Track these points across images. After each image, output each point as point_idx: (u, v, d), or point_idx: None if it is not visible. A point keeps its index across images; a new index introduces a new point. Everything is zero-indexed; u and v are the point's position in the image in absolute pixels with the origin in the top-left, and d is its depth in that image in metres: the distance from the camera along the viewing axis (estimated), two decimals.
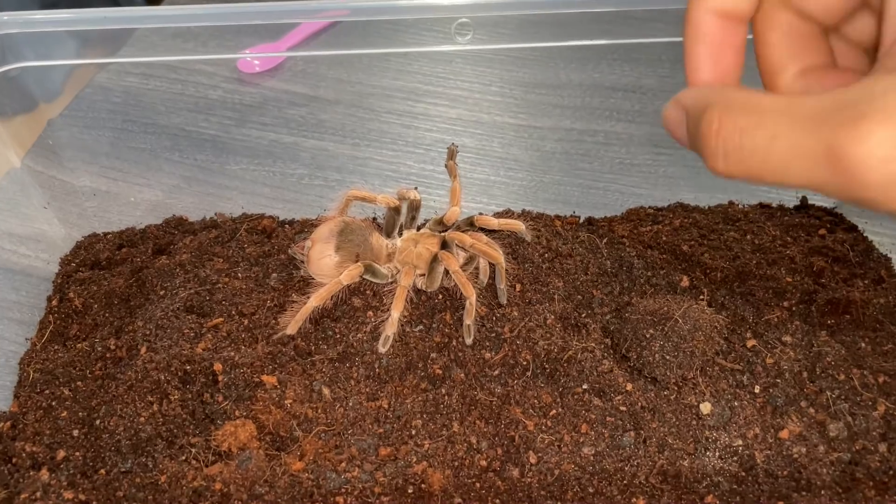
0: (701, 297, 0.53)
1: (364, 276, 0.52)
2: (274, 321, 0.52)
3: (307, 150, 0.69)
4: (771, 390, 0.49)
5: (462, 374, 0.49)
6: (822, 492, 0.45)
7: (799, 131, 0.26)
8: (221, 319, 0.52)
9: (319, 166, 0.68)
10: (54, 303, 0.56)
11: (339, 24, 0.60)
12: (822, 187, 0.26)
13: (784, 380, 0.49)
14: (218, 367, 0.49)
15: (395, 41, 0.57)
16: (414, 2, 0.50)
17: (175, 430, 0.47)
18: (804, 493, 0.45)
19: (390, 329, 0.49)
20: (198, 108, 0.72)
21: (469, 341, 0.50)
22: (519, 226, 0.54)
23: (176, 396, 0.48)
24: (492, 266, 0.53)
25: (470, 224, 0.54)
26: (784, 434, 0.47)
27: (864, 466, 0.46)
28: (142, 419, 0.47)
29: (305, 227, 0.60)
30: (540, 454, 0.46)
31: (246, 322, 0.52)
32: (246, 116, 0.72)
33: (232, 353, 0.50)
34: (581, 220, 0.63)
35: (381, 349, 0.50)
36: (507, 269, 0.51)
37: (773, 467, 0.46)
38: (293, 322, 0.50)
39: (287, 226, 0.61)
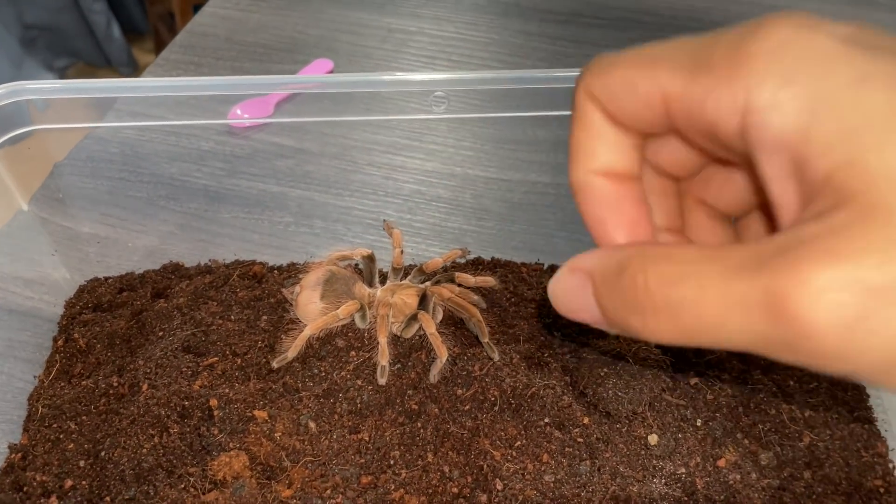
0: None
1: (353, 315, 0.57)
2: (265, 360, 0.57)
3: (294, 199, 0.75)
4: (711, 423, 0.55)
5: (436, 409, 0.55)
6: None
7: (731, 279, 0.23)
8: (216, 359, 0.57)
9: (306, 215, 0.73)
10: (60, 343, 0.60)
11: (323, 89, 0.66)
12: (764, 343, 0.23)
13: (722, 414, 0.55)
14: (213, 402, 0.54)
15: (376, 107, 0.62)
16: (393, 77, 0.56)
17: (174, 461, 0.51)
18: None
19: (382, 359, 0.54)
20: (191, 159, 0.77)
21: (433, 381, 0.55)
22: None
23: (175, 430, 0.53)
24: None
25: (450, 280, 0.59)
26: (721, 462, 0.53)
27: (791, 491, 0.52)
28: (144, 450, 0.52)
29: (293, 273, 0.65)
30: (506, 481, 0.51)
31: (239, 361, 0.57)
32: (236, 167, 0.77)
33: (226, 390, 0.55)
34: (545, 267, 0.68)
35: (381, 381, 0.55)
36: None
37: (712, 492, 0.52)
38: (293, 347, 0.55)
39: (276, 271, 0.66)
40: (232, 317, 0.60)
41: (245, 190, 0.75)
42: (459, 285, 0.59)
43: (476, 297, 0.60)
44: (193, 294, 0.62)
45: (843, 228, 0.22)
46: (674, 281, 0.24)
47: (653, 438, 0.53)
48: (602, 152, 0.30)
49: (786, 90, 0.24)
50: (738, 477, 0.52)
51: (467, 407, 0.55)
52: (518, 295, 0.63)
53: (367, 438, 0.53)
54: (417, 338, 0.58)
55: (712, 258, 0.24)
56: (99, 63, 2.20)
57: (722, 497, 0.51)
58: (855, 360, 0.22)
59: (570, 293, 0.30)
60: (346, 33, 0.98)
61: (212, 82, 0.57)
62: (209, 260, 0.67)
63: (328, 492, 0.50)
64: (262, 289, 0.63)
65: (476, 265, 0.67)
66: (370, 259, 0.60)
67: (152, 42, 2.30)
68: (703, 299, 0.24)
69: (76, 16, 2.09)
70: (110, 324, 0.60)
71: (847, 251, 0.21)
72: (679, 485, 0.52)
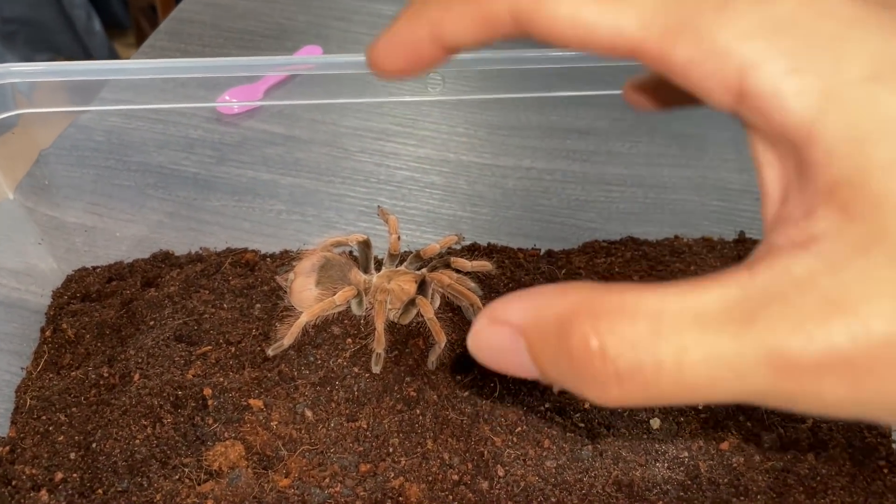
0: None
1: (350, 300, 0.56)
2: (259, 348, 0.56)
3: (285, 187, 0.73)
4: (712, 406, 0.54)
5: (435, 396, 0.54)
6: (759, 496, 0.50)
7: (719, 336, 0.20)
8: (210, 347, 0.56)
9: (297, 202, 0.72)
10: (48, 333, 0.58)
11: (314, 70, 0.64)
12: (761, 398, 0.20)
13: None
14: (207, 391, 0.53)
15: (369, 90, 0.61)
16: None
17: (168, 452, 0.50)
18: (742, 498, 0.50)
19: (378, 346, 0.53)
20: (179, 147, 0.76)
21: (431, 368, 0.55)
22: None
23: (168, 420, 0.51)
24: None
25: (446, 266, 0.58)
26: (724, 446, 0.52)
27: (795, 473, 0.51)
28: (137, 441, 0.50)
29: (287, 260, 0.64)
30: (507, 468, 0.50)
31: (233, 349, 0.56)
32: (226, 155, 0.76)
33: (220, 379, 0.54)
34: (541, 253, 0.67)
35: (375, 369, 0.54)
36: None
37: (715, 475, 0.51)
38: (289, 334, 0.53)
39: (268, 259, 0.65)
40: (225, 305, 0.59)
41: (235, 178, 0.73)
42: (456, 271, 0.58)
43: (473, 284, 0.59)
44: (185, 282, 0.61)
45: (848, 269, 0.19)
46: (641, 342, 0.20)
47: (655, 422, 0.53)
48: (460, 28, 0.25)
49: (790, 80, 0.20)
50: (742, 460, 0.51)
51: (466, 393, 0.54)
52: (515, 280, 0.62)
53: (365, 426, 0.52)
54: (415, 324, 0.57)
55: (682, 312, 0.20)
56: (80, 58, 2.17)
57: (725, 480, 0.51)
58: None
59: (498, 351, 0.24)
60: (335, 19, 0.97)
61: (201, 64, 0.56)
62: (200, 248, 0.66)
63: (326, 480, 0.49)
64: (254, 276, 0.62)
65: (472, 251, 0.66)
66: (366, 245, 0.59)
67: (134, 37, 2.27)
68: (686, 362, 0.20)
69: (56, 10, 2.06)
70: (99, 314, 0.59)
71: (852, 301, 0.19)
72: (682, 468, 0.51)
